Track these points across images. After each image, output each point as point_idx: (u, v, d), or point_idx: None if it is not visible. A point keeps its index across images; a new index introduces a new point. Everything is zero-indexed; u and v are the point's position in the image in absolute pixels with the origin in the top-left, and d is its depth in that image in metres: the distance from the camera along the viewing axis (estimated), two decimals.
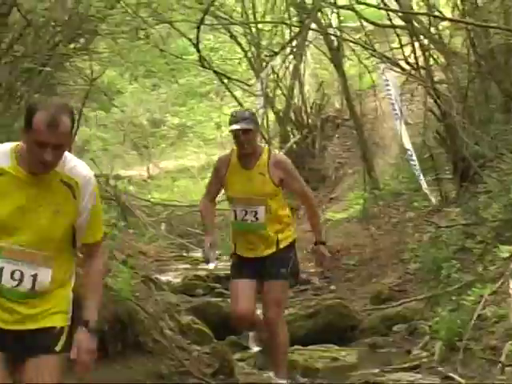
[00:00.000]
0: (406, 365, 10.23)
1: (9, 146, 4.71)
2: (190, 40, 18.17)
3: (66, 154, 4.64)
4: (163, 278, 13.92)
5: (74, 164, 4.68)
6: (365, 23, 17.51)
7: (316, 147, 20.12)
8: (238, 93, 20.49)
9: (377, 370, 10.11)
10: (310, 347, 11.09)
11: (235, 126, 8.00)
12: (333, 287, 14.37)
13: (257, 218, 8.09)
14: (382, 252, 14.89)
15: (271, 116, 21.14)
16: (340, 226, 16.92)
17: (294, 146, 20.10)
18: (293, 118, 20.49)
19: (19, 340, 4.66)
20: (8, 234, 4.59)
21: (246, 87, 20.66)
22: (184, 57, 19.61)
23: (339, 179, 19.53)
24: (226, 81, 19.39)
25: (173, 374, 9.98)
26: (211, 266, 8.35)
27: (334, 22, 18.56)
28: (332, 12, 18.03)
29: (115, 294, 9.73)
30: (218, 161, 8.57)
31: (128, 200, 19.35)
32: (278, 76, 20.28)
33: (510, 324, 9.89)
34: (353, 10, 16.71)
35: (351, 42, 17.85)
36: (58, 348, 4.72)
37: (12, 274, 4.59)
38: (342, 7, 17.31)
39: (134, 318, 9.69)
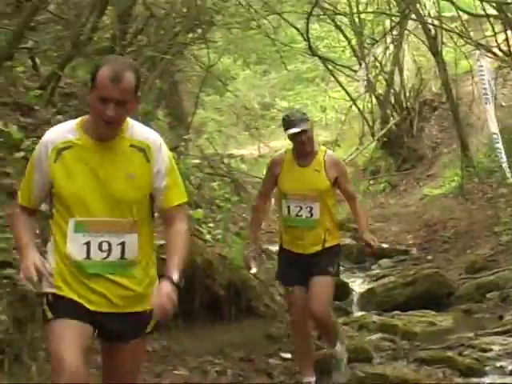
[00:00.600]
0: (498, 329, 10.18)
1: (75, 120, 4.53)
2: (297, 30, 18.41)
3: (133, 120, 4.51)
4: (273, 248, 13.85)
5: (142, 129, 4.51)
6: (461, 13, 17.30)
7: (414, 128, 19.94)
8: (342, 78, 20.40)
9: (471, 334, 10.03)
10: (408, 313, 11.18)
11: (294, 130, 7.56)
12: (430, 257, 14.31)
13: (311, 214, 7.77)
14: (476, 225, 14.75)
15: (373, 100, 20.97)
16: (436, 201, 16.73)
17: (394, 127, 19.93)
18: (392, 101, 20.28)
19: (109, 322, 4.49)
20: (85, 206, 4.41)
21: (349, 73, 20.60)
22: (292, 45, 19.68)
23: (436, 158, 19.28)
24: (330, 67, 19.37)
25: (282, 335, 10.09)
26: (253, 271, 8.21)
27: (432, 12, 18.25)
28: (432, 2, 17.89)
29: (229, 262, 9.90)
30: (272, 161, 8.18)
31: (240, 177, 19.24)
32: (379, 62, 20.25)
33: None
34: (449, 0, 16.73)
35: (448, 30, 17.55)
36: (148, 329, 4.63)
37: (99, 246, 4.43)
38: None
39: (247, 285, 9.85)
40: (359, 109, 20.59)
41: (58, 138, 4.37)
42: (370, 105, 21.04)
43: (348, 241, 15.43)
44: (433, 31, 17.33)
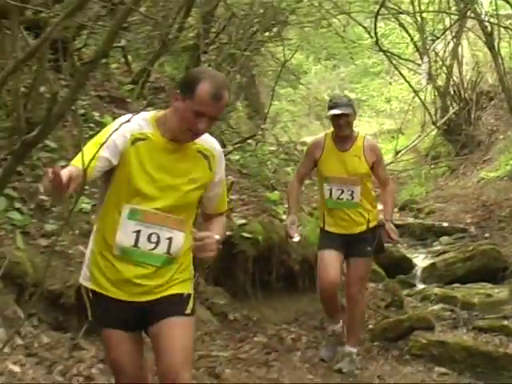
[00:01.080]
0: None
1: (148, 114, 4.41)
2: (365, 28, 18.34)
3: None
4: None
5: (208, 137, 4.38)
6: None
7: (471, 117, 19.93)
8: (405, 71, 20.36)
9: None
10: (467, 285, 11.23)
11: (335, 111, 7.33)
12: (487, 235, 14.17)
13: (352, 197, 7.53)
14: None
15: (434, 91, 20.97)
16: (492, 183, 16.63)
17: (453, 116, 19.86)
18: (452, 92, 20.20)
19: (146, 311, 4.38)
20: (145, 198, 4.31)
21: (412, 66, 20.66)
22: (359, 42, 19.82)
23: (491, 144, 19.27)
24: (394, 61, 19.34)
25: None
26: (296, 239, 7.71)
27: (488, 10, 18.24)
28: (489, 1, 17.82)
29: (303, 239, 9.46)
30: (312, 144, 7.86)
31: None
32: (439, 57, 20.21)
33: None
34: (506, 1, 16.52)
35: (503, 27, 17.61)
36: (187, 311, 4.43)
37: (149, 236, 4.32)
38: None
39: None
40: (421, 99, 20.50)
41: (135, 128, 4.22)
42: (431, 96, 20.94)
43: (411, 220, 15.40)
44: (489, 28, 17.07)
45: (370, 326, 9.51)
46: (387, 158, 21.18)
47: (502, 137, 19.07)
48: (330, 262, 7.54)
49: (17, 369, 6.28)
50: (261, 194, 9.87)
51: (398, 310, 9.66)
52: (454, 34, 19.23)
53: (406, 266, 12.32)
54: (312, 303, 9.38)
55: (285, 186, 11.96)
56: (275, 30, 13.37)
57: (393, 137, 22.69)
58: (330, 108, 7.42)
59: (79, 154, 4.14)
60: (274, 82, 14.77)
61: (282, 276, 9.32)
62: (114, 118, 9.56)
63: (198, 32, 10.89)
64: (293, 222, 7.66)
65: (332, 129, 7.57)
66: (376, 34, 15.22)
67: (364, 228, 7.57)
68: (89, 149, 4.22)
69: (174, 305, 4.36)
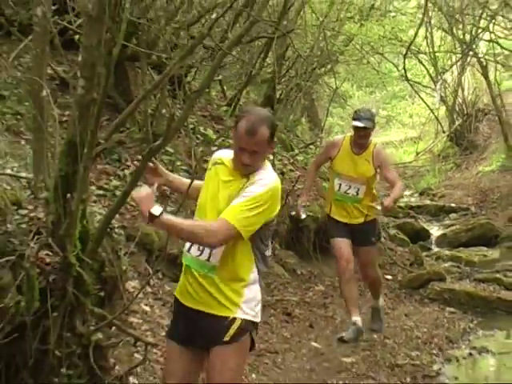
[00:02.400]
0: None
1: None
2: (393, 64, 18.48)
3: (268, 168, 3.60)
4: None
5: (261, 177, 3.50)
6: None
7: (472, 127, 19.42)
8: (423, 95, 19.96)
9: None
10: (469, 248, 11.26)
11: (358, 124, 6.54)
12: (483, 212, 14.04)
13: (357, 194, 6.73)
14: None
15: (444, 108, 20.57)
16: (487, 175, 16.51)
17: (458, 127, 19.43)
18: (457, 109, 19.66)
19: (193, 321, 3.58)
20: (200, 211, 3.64)
21: (428, 91, 20.41)
22: (390, 74, 19.62)
23: (487, 146, 18.93)
24: (415, 88, 19.06)
25: (385, 263, 9.82)
26: (303, 217, 7.09)
27: (484, 50, 18.01)
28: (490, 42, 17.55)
29: None
30: (331, 144, 7.10)
31: None
32: (448, 84, 19.87)
33: None
34: (496, 42, 16.74)
35: (494, 61, 17.46)
36: (226, 338, 3.50)
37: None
38: (488, 41, 17.13)
39: None
40: (435, 115, 20.19)
41: (222, 153, 3.69)
42: (442, 112, 20.61)
43: (428, 202, 15.41)
44: (484, 62, 17.13)
45: (399, 279, 9.36)
46: (410, 157, 21.05)
47: (494, 141, 18.99)
48: (343, 246, 6.82)
49: (147, 309, 6.27)
50: (318, 183, 9.45)
51: (419, 267, 9.70)
52: (458, 67, 19.04)
53: (425, 235, 12.15)
54: None
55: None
56: (329, 66, 13.22)
57: (414, 142, 22.33)
58: (355, 119, 6.61)
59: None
60: (328, 103, 14.62)
61: None
62: (214, 131, 9.74)
63: (273, 68, 10.85)
64: (303, 202, 7.15)
65: (352, 132, 6.76)
66: (404, 68, 15.04)
67: (361, 220, 6.84)
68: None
69: (214, 327, 3.54)
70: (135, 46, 7.19)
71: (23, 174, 4.36)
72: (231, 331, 3.46)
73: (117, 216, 4.76)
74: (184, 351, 3.57)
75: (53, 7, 4.95)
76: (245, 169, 3.50)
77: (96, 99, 3.68)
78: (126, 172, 6.81)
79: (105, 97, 3.87)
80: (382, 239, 9.90)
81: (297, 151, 11.49)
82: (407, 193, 6.97)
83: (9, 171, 4.31)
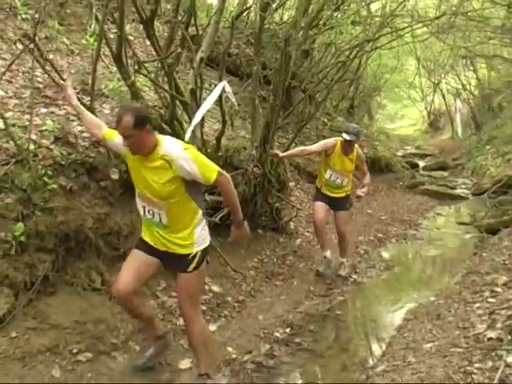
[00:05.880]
0: None
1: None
2: None
3: (164, 139, 4.07)
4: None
5: (167, 145, 4.00)
6: None
7: None
8: None
9: None
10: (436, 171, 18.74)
11: (346, 137, 7.47)
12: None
13: (342, 183, 7.77)
14: None
15: None
16: None
17: None
18: None
19: (161, 254, 4.21)
20: (140, 188, 4.17)
21: None
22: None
23: None
24: None
25: (402, 177, 15.83)
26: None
27: None
28: None
29: None
30: (328, 143, 7.82)
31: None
32: None
33: None
34: None
35: None
36: (189, 269, 4.19)
37: (149, 211, 4.16)
38: None
39: None
40: None
41: None
42: None
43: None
44: None
45: (406, 184, 15.43)
46: None
47: None
48: (320, 207, 7.85)
49: (298, 194, 9.92)
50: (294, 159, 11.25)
51: (414, 179, 16.78)
52: None
53: (416, 165, 19.50)
54: None
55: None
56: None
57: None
58: (345, 132, 7.53)
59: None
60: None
61: None
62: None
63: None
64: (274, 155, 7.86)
65: (342, 139, 7.59)
66: None
67: (343, 195, 7.88)
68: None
69: (180, 264, 4.20)
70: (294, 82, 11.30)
71: (247, 136, 8.76)
72: (193, 264, 4.19)
73: None
74: (148, 257, 4.31)
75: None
76: (132, 151, 4.07)
77: (277, 104, 8.26)
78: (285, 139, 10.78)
79: (280, 104, 8.37)
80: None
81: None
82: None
83: (242, 133, 8.81)
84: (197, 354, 4.46)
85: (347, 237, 8.05)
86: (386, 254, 9.23)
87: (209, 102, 5.88)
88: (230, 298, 6.55)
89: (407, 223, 11.38)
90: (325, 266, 7.80)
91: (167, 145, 4.00)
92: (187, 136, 5.81)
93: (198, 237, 4.20)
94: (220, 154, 6.99)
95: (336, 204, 7.90)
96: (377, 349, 5.64)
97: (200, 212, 4.20)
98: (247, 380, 4.95)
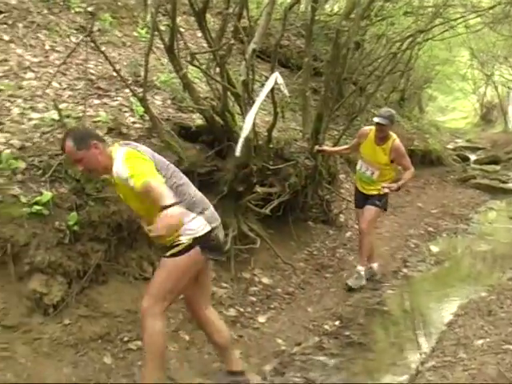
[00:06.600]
0: None
1: None
2: None
3: (115, 153, 3.81)
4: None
5: (115, 168, 3.73)
6: None
7: None
8: None
9: None
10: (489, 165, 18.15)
11: (376, 119, 6.85)
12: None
13: (372, 175, 7.13)
14: None
15: None
16: None
17: None
18: None
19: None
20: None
21: None
22: None
23: None
24: None
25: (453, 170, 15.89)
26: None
27: None
28: None
29: None
30: (361, 132, 7.36)
31: None
32: None
33: None
34: None
35: None
36: (167, 254, 3.96)
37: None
38: None
39: None
40: None
41: None
42: None
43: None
44: None
45: (456, 177, 15.56)
46: None
47: None
48: (360, 214, 7.34)
49: (348, 186, 9.68)
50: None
51: (465, 171, 16.74)
52: None
53: (467, 158, 19.19)
54: None
55: None
56: None
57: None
58: (376, 115, 7.06)
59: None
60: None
61: None
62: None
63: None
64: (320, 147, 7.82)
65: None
66: None
67: (374, 192, 7.16)
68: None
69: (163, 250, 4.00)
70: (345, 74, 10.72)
71: (297, 128, 8.82)
72: (173, 250, 3.91)
73: None
74: None
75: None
76: (89, 175, 4.26)
77: (329, 96, 8.20)
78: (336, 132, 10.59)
79: (332, 95, 8.36)
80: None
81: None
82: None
83: (292, 125, 8.84)
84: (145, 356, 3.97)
85: (368, 238, 7.26)
86: (436, 248, 9.12)
87: (261, 97, 5.82)
88: (279, 290, 6.57)
89: (458, 217, 11.21)
90: (356, 281, 7.17)
91: (116, 164, 3.77)
92: (238, 150, 5.70)
93: (187, 229, 3.92)
94: (271, 146, 6.94)
95: (367, 200, 7.27)
96: (426, 344, 5.56)
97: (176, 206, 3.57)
98: (297, 372, 4.95)
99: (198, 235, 3.95)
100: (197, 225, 3.97)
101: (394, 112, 7.16)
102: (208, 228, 4.01)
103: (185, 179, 4.11)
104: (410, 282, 7.62)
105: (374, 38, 13.49)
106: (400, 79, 16.48)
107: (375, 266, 7.57)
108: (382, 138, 6.96)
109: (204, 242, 3.98)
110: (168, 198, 3.53)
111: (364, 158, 7.22)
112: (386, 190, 6.88)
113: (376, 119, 6.84)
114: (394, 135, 7.04)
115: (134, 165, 3.69)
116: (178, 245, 3.91)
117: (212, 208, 4.18)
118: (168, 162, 4.09)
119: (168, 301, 3.96)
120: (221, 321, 4.42)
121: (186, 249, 3.91)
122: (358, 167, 7.37)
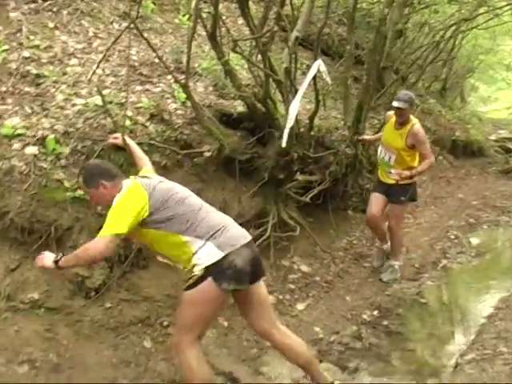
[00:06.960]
0: None
1: None
2: None
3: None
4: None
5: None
6: None
7: None
8: None
9: None
10: None
11: (394, 103, 6.52)
12: None
13: (389, 160, 6.77)
14: None
15: None
16: None
17: None
18: None
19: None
20: None
21: None
22: None
23: None
24: None
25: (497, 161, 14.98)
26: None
27: None
28: None
29: None
30: (388, 116, 7.09)
31: None
32: None
33: None
34: None
35: None
36: (184, 287, 3.74)
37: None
38: None
39: None
40: None
41: None
42: None
43: None
44: None
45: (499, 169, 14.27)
46: None
47: None
48: (374, 200, 7.04)
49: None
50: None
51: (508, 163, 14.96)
52: None
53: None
54: None
55: None
56: None
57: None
58: (394, 99, 6.71)
59: None
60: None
61: None
62: None
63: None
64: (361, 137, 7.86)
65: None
66: None
67: (393, 182, 6.78)
68: None
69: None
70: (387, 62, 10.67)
71: (338, 116, 8.74)
72: (188, 282, 3.65)
73: None
74: None
75: None
76: (96, 208, 4.51)
77: (371, 84, 8.11)
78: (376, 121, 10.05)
79: (373, 84, 8.26)
80: None
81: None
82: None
83: (333, 114, 8.77)
84: None
85: (397, 234, 7.06)
86: (476, 240, 8.96)
87: (304, 86, 5.74)
88: (318, 278, 6.57)
89: (500, 209, 10.98)
90: (391, 276, 7.06)
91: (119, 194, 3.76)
92: (284, 140, 5.68)
93: (198, 258, 3.63)
94: (312, 133, 6.91)
95: (391, 194, 6.93)
96: (466, 336, 5.52)
97: (187, 239, 3.63)
98: (334, 360, 4.95)
99: (207, 264, 3.60)
100: (206, 252, 3.62)
101: (413, 94, 6.84)
102: (219, 255, 3.60)
103: (197, 205, 3.80)
104: (449, 273, 7.49)
105: (416, 27, 13.27)
106: (442, 68, 16.19)
107: (386, 247, 7.33)
108: (401, 122, 6.67)
109: (217, 271, 3.60)
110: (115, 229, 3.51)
111: (382, 142, 6.97)
112: (396, 177, 6.58)
113: (394, 103, 6.54)
114: (414, 120, 6.73)
115: (118, 210, 3.58)
116: (191, 277, 3.65)
117: (233, 229, 3.77)
118: (177, 191, 3.82)
119: (195, 330, 3.71)
120: (298, 340, 4.11)
121: (198, 281, 3.61)
122: (378, 152, 7.11)
